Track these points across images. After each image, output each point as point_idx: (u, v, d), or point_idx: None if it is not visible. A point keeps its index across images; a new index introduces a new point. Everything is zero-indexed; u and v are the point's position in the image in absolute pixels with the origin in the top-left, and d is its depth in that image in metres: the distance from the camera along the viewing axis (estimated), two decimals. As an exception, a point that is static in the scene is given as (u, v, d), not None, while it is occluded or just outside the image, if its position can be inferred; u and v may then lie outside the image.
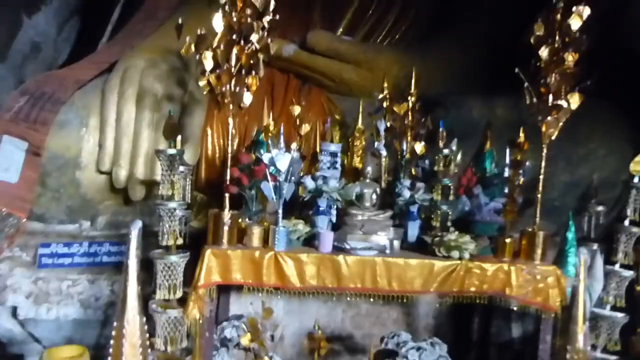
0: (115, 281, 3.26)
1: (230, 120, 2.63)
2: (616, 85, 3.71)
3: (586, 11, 2.72)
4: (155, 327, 2.69)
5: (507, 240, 2.79)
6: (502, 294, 2.71)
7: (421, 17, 4.68)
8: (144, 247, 2.71)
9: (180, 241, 2.70)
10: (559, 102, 2.76)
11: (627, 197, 3.13)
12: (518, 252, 2.85)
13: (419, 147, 3.09)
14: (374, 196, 2.98)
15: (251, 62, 2.59)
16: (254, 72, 2.62)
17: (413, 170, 3.17)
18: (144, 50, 3.66)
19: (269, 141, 2.87)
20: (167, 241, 2.66)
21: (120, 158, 3.25)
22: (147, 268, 2.76)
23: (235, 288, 3.26)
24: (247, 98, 2.62)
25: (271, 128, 3.05)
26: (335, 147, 3.11)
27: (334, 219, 2.96)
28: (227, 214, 2.59)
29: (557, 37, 2.77)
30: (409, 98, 3.21)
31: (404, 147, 3.20)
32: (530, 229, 2.84)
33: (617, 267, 3.14)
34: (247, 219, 2.75)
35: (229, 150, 2.69)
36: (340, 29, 4.62)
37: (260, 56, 2.61)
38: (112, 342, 2.54)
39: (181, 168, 2.73)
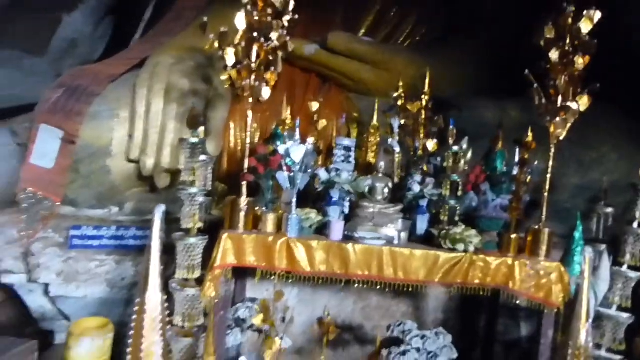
0: (139, 263, 3.44)
1: (249, 112, 2.80)
2: (624, 90, 3.76)
3: (597, 15, 2.80)
4: (174, 305, 2.88)
5: (512, 236, 2.87)
6: (505, 288, 2.80)
7: (438, 20, 4.80)
8: (167, 233, 2.91)
9: (200, 225, 2.88)
10: (568, 103, 2.84)
11: (636, 200, 3.16)
12: (523, 249, 2.93)
13: (431, 144, 3.20)
14: (386, 190, 3.10)
15: (270, 58, 2.76)
16: (272, 68, 2.79)
17: (425, 167, 3.28)
18: (172, 48, 3.88)
19: (286, 134, 3.03)
20: (187, 224, 2.85)
21: (147, 147, 3.47)
22: (168, 252, 2.95)
23: (251, 275, 3.42)
24: (266, 92, 2.78)
25: (288, 122, 3.22)
26: (349, 141, 3.25)
27: (346, 211, 3.10)
28: (243, 201, 2.77)
29: (567, 40, 2.85)
30: (422, 97, 3.32)
31: (417, 144, 3.32)
32: (536, 227, 2.91)
33: (624, 268, 3.18)
34: (262, 207, 2.90)
35: (247, 141, 2.86)
36: (362, 31, 4.77)
37: (279, 53, 2.78)
38: (134, 316, 2.74)
39: (203, 157, 2.91)
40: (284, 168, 2.76)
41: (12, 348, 2.45)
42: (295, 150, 2.71)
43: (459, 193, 3.08)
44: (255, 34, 2.72)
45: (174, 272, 2.98)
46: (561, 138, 2.88)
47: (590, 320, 3.00)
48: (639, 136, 3.82)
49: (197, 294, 2.81)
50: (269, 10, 2.71)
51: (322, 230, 2.95)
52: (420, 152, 3.29)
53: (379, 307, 3.75)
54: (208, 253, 2.93)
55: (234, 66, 2.70)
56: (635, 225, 3.16)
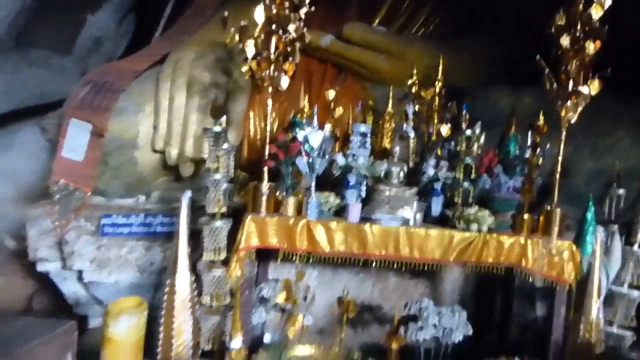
0: (167, 249, 3.60)
1: (269, 101, 2.94)
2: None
3: (607, 1, 2.87)
4: (202, 286, 3.05)
5: (525, 217, 2.97)
6: (518, 266, 2.90)
7: (452, 11, 4.87)
8: (192, 220, 3.07)
9: (224, 210, 3.04)
10: (579, 88, 2.91)
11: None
12: (536, 229, 3.02)
13: (445, 129, 3.30)
14: (401, 174, 3.23)
15: (288, 49, 2.90)
16: (290, 59, 2.92)
17: (439, 151, 3.38)
18: (193, 43, 4.04)
19: (304, 121, 3.16)
20: (212, 209, 3.00)
21: (172, 139, 3.64)
22: (194, 237, 3.11)
23: (273, 258, 3.56)
24: (284, 82, 2.92)
25: (306, 110, 3.35)
26: (365, 128, 3.37)
27: (363, 194, 3.22)
28: (265, 186, 2.91)
29: (578, 27, 2.92)
30: (436, 84, 3.42)
31: (431, 129, 3.42)
32: (548, 208, 3.00)
33: (635, 247, 3.25)
34: (282, 191, 3.04)
35: (268, 129, 3.00)
36: (376, 21, 4.87)
37: (297, 44, 2.91)
38: (165, 297, 2.92)
39: (225, 145, 3.06)
40: (303, 154, 2.90)
41: (53, 329, 2.61)
42: (314, 136, 2.85)
43: (473, 176, 3.18)
44: (273, 27, 2.85)
45: (200, 256, 3.14)
46: (572, 122, 2.96)
47: (602, 298, 3.10)
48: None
49: (223, 275, 2.97)
50: (287, 4, 2.84)
51: (340, 213, 3.08)
52: (434, 137, 3.40)
53: (396, 289, 3.86)
54: (232, 237, 3.08)
55: (253, 58, 2.84)
56: (645, 206, 3.23)
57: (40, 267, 3.82)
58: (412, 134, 3.49)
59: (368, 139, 3.35)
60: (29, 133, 4.44)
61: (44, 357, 2.44)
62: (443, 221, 3.09)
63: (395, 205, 3.11)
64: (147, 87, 3.78)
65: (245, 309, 2.88)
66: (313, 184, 2.92)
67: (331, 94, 3.42)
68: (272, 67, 2.85)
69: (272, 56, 2.84)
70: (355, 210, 2.94)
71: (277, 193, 3.05)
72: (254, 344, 3.02)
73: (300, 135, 2.87)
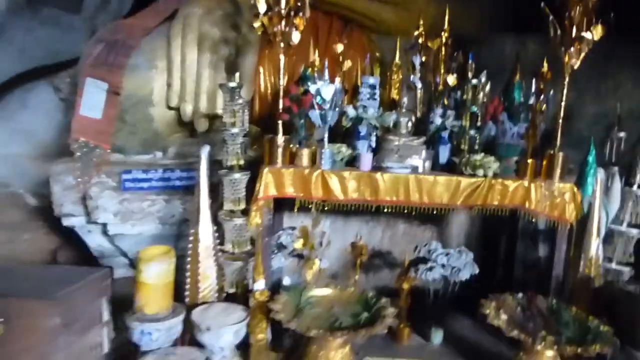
0: (186, 201, 3.76)
1: (282, 56, 3.03)
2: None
3: (611, -53, 2.89)
4: (224, 234, 3.23)
5: (529, 161, 3.11)
6: (522, 207, 3.07)
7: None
8: (209, 174, 3.21)
9: (241, 162, 3.18)
10: (582, 34, 2.98)
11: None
12: (539, 173, 3.17)
13: (451, 79, 3.40)
14: (409, 124, 3.35)
15: (298, 4, 2.95)
16: (301, 14, 2.98)
17: (446, 101, 3.49)
18: (201, -2, 4.04)
19: (315, 75, 3.25)
20: (231, 161, 3.15)
21: (186, 95, 3.73)
22: (212, 190, 3.26)
23: (287, 208, 3.74)
24: (296, 36, 3.00)
25: (317, 63, 3.43)
26: (374, 79, 3.46)
27: (373, 144, 3.36)
28: (280, 138, 3.04)
29: (581, -27, 2.96)
30: (442, 34, 3.49)
31: (437, 79, 3.51)
32: (551, 152, 3.13)
33: (634, 188, 3.40)
34: (296, 143, 3.17)
35: (281, 83, 3.10)
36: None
37: (306, -1, 2.96)
38: (190, 245, 3.11)
39: (240, 100, 3.17)
40: (316, 106, 3.01)
41: (89, 275, 2.79)
42: (326, 89, 2.95)
43: (479, 123, 3.29)
44: (284, -19, 2.90)
45: (219, 207, 3.31)
46: (575, 67, 3.04)
47: (602, 236, 3.29)
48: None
49: (243, 223, 3.16)
50: (296, -42, 2.88)
51: (352, 162, 3.23)
52: (441, 87, 3.49)
53: (405, 234, 4.06)
54: (249, 188, 3.25)
55: (265, 13, 2.90)
56: (645, 147, 3.36)
57: (65, 222, 4.00)
58: (419, 85, 3.58)
59: (377, 91, 3.44)
60: (43, 92, 4.51)
61: (83, 301, 2.63)
62: (450, 168, 3.24)
63: (404, 154, 3.25)
64: (159, 44, 3.82)
65: (265, 255, 3.07)
66: (326, 135, 3.05)
67: (339, 47, 3.49)
68: (284, 22, 2.91)
69: (283, 11, 2.90)
70: (366, 160, 3.09)
71: (291, 145, 3.18)
72: (274, 288, 3.23)
73: (312, 88, 2.97)
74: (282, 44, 3.00)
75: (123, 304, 2.92)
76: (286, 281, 3.21)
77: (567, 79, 3.06)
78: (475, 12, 4.39)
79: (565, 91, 3.07)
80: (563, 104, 3.08)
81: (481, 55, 4.02)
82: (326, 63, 3.31)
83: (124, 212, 3.83)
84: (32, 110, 4.52)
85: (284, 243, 3.24)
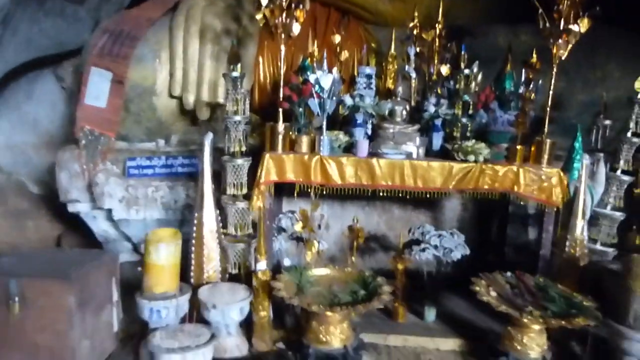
0: (189, 187, 3.91)
1: (282, 47, 3.15)
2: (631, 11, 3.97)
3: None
4: (227, 218, 3.37)
5: (518, 147, 3.26)
6: (512, 191, 3.22)
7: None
8: (212, 161, 3.34)
9: (244, 148, 3.32)
10: (570, 26, 3.12)
11: (632, 112, 3.50)
12: (528, 158, 3.32)
13: (445, 69, 3.53)
14: (404, 112, 3.49)
15: (298, -4, 3.08)
16: (301, 6, 3.11)
17: (439, 90, 3.62)
18: (203, -10, 4.15)
19: (314, 65, 3.38)
20: (233, 148, 3.29)
21: (188, 85, 3.86)
22: (216, 176, 3.39)
23: (286, 194, 3.89)
24: (296, 28, 3.13)
25: (315, 54, 3.56)
26: (370, 70, 3.59)
27: (369, 132, 3.50)
28: (281, 125, 3.18)
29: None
30: (436, 25, 3.62)
31: (432, 69, 3.65)
32: (539, 138, 3.29)
33: (618, 172, 3.56)
34: (296, 131, 3.31)
35: (282, 73, 3.23)
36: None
37: (307, -9, 3.09)
38: (194, 229, 3.25)
39: (242, 89, 3.30)
40: (315, 95, 3.14)
41: (100, 257, 2.94)
42: (324, 79, 3.09)
43: (470, 112, 3.44)
44: (284, -26, 3.02)
45: (221, 193, 3.45)
46: (563, 58, 3.18)
47: (587, 218, 3.45)
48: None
49: (245, 207, 3.30)
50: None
51: (349, 149, 3.37)
52: (434, 77, 3.63)
53: (400, 219, 4.22)
54: (251, 174, 3.39)
55: (267, 5, 3.02)
56: (629, 134, 3.51)
57: (71, 208, 4.14)
58: (413, 74, 3.72)
59: (373, 81, 3.58)
60: (47, 82, 4.60)
61: (95, 281, 2.77)
62: (443, 154, 3.38)
63: (399, 141, 3.39)
64: (163, 35, 3.94)
65: (266, 237, 3.22)
66: (324, 123, 3.19)
67: (337, 38, 3.62)
68: (284, 14, 3.04)
69: (284, 3, 3.02)
70: (363, 146, 3.23)
71: (291, 132, 3.32)
72: (274, 269, 3.37)
73: (311, 78, 3.11)
74: (282, 36, 3.12)
75: (128, 287, 3.07)
76: (286, 262, 3.35)
77: (555, 69, 3.20)
78: (469, 4, 4.51)
79: (553, 81, 3.21)
80: (551, 92, 3.22)
81: (475, 46, 4.16)
82: (324, 53, 3.43)
83: (129, 198, 3.96)
84: (37, 99, 4.61)
85: (284, 226, 3.38)
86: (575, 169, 3.36)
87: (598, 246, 3.58)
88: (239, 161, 3.28)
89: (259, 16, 3.07)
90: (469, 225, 4.25)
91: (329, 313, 2.73)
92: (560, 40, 3.13)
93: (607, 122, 3.64)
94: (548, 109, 3.26)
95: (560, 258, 3.25)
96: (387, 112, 3.44)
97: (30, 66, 4.66)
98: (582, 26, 3.10)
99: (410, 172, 3.18)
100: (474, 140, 3.26)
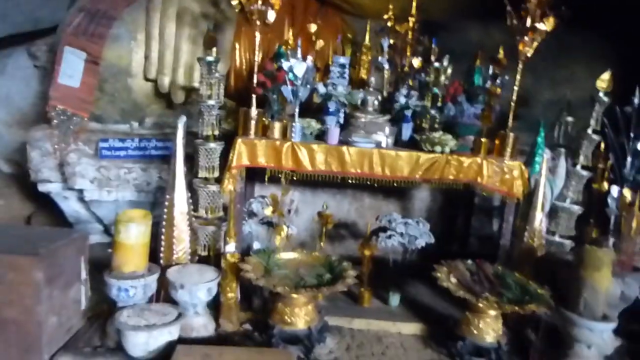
0: (162, 170, 3.94)
1: (257, 34, 3.20)
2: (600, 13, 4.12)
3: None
4: (198, 200, 3.42)
5: (483, 140, 3.37)
6: (475, 182, 3.33)
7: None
8: (185, 144, 3.38)
9: (217, 132, 3.37)
10: (536, 24, 3.23)
11: (592, 110, 3.65)
12: (492, 151, 3.44)
13: (416, 61, 3.62)
14: (376, 102, 3.58)
15: (275, -17, 3.12)
16: (277, -7, 3.16)
17: (411, 82, 3.71)
18: (181, -28, 4.14)
19: (289, 52, 3.43)
20: (206, 132, 3.33)
21: (164, 68, 3.88)
22: (188, 160, 3.43)
23: (259, 179, 3.94)
24: (271, 15, 3.17)
25: (290, 42, 3.61)
26: (344, 59, 3.66)
27: (341, 121, 3.57)
28: (254, 111, 3.24)
29: (536, -35, 3.19)
30: (410, 19, 3.70)
31: (404, 61, 3.74)
32: (503, 132, 3.41)
33: (578, 168, 3.71)
34: (269, 117, 3.37)
35: (256, 59, 3.27)
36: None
37: (283, -22, 3.13)
38: (165, 210, 3.29)
39: (217, 74, 3.34)
40: (288, 83, 3.20)
41: (69, 235, 2.95)
42: (298, 67, 3.14)
43: (439, 104, 3.54)
44: (260, -39, 3.06)
45: (194, 176, 3.49)
46: (529, 55, 3.30)
47: (546, 210, 3.60)
48: (609, 56, 4.22)
49: (217, 190, 3.36)
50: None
51: (320, 137, 3.44)
52: (406, 69, 3.72)
53: (371, 207, 4.32)
54: (223, 159, 3.43)
55: (243, -9, 3.06)
56: (589, 131, 3.66)
57: (42, 188, 4.12)
58: (386, 66, 3.80)
59: (347, 70, 3.65)
60: (21, 59, 4.54)
61: (64, 258, 2.78)
62: (412, 145, 3.48)
63: (369, 130, 3.48)
64: (140, 15, 3.93)
65: (237, 220, 3.27)
66: (297, 110, 3.25)
67: (313, 27, 3.67)
68: (260, 1, 3.08)
69: (260, -10, 3.07)
70: (334, 134, 3.30)
71: (264, 118, 3.37)
72: (245, 253, 3.44)
73: (285, 65, 3.16)
74: (257, 22, 3.16)
75: (98, 268, 3.08)
76: (256, 246, 3.42)
77: (521, 66, 3.32)
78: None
79: (518, 77, 3.32)
80: (516, 88, 3.33)
81: (449, 41, 4.26)
82: (299, 42, 3.48)
83: (101, 179, 3.97)
84: (10, 76, 4.55)
85: (255, 210, 3.45)
86: (536, 163, 3.50)
87: (557, 238, 3.74)
88: (212, 145, 3.33)
89: (234, 1, 3.10)
90: (437, 216, 4.37)
91: (294, 295, 2.81)
92: (526, 38, 3.23)
93: (570, 119, 3.79)
94: (513, 104, 3.37)
95: (518, 248, 3.39)
96: (359, 102, 3.52)
97: (4, 42, 4.60)
98: (547, 25, 3.20)
99: (378, 160, 3.27)
100: (441, 132, 3.37)
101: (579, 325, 2.83)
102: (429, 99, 3.52)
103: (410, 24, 3.73)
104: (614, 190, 3.56)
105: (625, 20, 4.22)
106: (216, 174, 3.40)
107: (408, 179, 3.32)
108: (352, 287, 3.42)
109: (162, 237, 3.26)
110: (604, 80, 3.59)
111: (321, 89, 3.42)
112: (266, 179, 3.40)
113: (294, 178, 3.36)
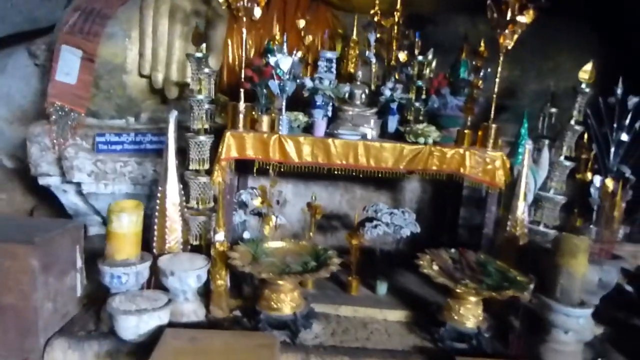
0: (157, 164, 4.04)
1: (244, 30, 3.30)
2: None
3: (545, -63, 3.21)
4: (189, 192, 3.53)
5: (466, 131, 3.45)
6: (458, 172, 3.42)
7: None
8: (178, 137, 3.49)
9: (207, 126, 3.47)
10: (516, 17, 3.31)
11: (575, 101, 3.71)
12: (475, 142, 3.52)
13: (402, 55, 3.70)
14: (363, 95, 3.67)
15: (261, -19, 3.22)
16: (263, -10, 3.26)
17: (397, 75, 3.80)
18: (173, -29, 4.25)
19: (275, 48, 3.53)
20: (197, 125, 3.44)
21: (157, 64, 3.99)
22: (181, 153, 3.54)
23: (251, 172, 4.03)
24: (257, 12, 3.27)
25: (277, 37, 3.71)
26: (331, 54, 3.75)
27: (329, 114, 3.67)
28: (242, 105, 3.34)
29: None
30: (395, 13, 3.79)
31: (390, 55, 3.82)
32: (486, 124, 3.49)
33: (561, 158, 3.78)
34: (258, 111, 3.47)
35: (243, 55, 3.38)
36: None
37: (269, -24, 3.22)
38: (157, 201, 3.40)
39: (206, 70, 3.44)
40: (275, 77, 3.30)
41: (65, 225, 3.07)
42: (284, 61, 3.24)
43: (424, 96, 3.62)
44: (247, -42, 3.16)
45: (186, 168, 3.60)
46: (509, 47, 3.37)
47: (529, 200, 3.67)
48: (595, 47, 4.29)
49: (207, 182, 3.47)
50: None
51: (308, 129, 3.54)
52: (393, 63, 3.80)
53: (362, 199, 4.42)
54: (214, 152, 3.53)
55: (230, -11, 3.17)
56: (572, 122, 3.73)
57: (42, 181, 4.26)
58: (373, 60, 3.89)
59: (334, 64, 3.74)
60: (21, 58, 4.67)
61: (59, 247, 2.91)
62: (398, 137, 3.57)
63: (356, 123, 3.57)
64: (133, 14, 4.04)
65: (227, 211, 3.39)
66: (284, 104, 3.35)
67: (301, 23, 3.76)
68: (247, -2, 3.18)
69: (245, -13, 3.17)
70: (320, 127, 3.40)
71: (253, 112, 3.48)
72: (235, 242, 3.55)
73: (271, 60, 3.26)
74: (244, 19, 3.26)
75: (95, 259, 3.19)
76: (246, 235, 3.53)
77: (501, 58, 3.39)
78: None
79: (499, 69, 3.40)
80: (497, 80, 3.41)
81: (437, 34, 4.35)
82: (285, 37, 3.58)
83: (98, 172, 4.09)
84: (10, 75, 4.68)
85: (245, 201, 3.55)
86: (519, 154, 3.57)
87: (541, 227, 3.81)
88: (202, 138, 3.44)
89: (221, -1, 3.21)
90: (427, 207, 4.46)
91: (279, 281, 2.92)
92: (506, 31, 3.31)
93: (553, 110, 3.85)
94: (494, 96, 3.45)
95: (501, 237, 3.47)
96: (345, 95, 3.61)
97: (3, 42, 4.73)
98: (527, 17, 3.27)
99: (363, 151, 3.36)
100: (424, 124, 3.45)
101: (555, 311, 2.88)
102: (413, 92, 3.61)
103: (396, 19, 3.80)
104: (597, 180, 3.63)
105: (609, 11, 4.29)
106: (207, 166, 3.51)
107: (392, 169, 3.40)
108: (341, 276, 3.57)
109: (155, 227, 3.37)
110: (586, 71, 3.65)
111: (308, 83, 3.52)
112: (255, 171, 3.51)
113: (282, 170, 3.46)
